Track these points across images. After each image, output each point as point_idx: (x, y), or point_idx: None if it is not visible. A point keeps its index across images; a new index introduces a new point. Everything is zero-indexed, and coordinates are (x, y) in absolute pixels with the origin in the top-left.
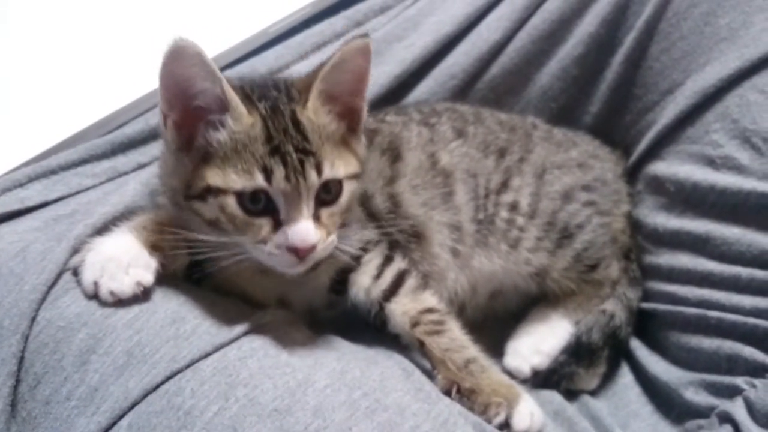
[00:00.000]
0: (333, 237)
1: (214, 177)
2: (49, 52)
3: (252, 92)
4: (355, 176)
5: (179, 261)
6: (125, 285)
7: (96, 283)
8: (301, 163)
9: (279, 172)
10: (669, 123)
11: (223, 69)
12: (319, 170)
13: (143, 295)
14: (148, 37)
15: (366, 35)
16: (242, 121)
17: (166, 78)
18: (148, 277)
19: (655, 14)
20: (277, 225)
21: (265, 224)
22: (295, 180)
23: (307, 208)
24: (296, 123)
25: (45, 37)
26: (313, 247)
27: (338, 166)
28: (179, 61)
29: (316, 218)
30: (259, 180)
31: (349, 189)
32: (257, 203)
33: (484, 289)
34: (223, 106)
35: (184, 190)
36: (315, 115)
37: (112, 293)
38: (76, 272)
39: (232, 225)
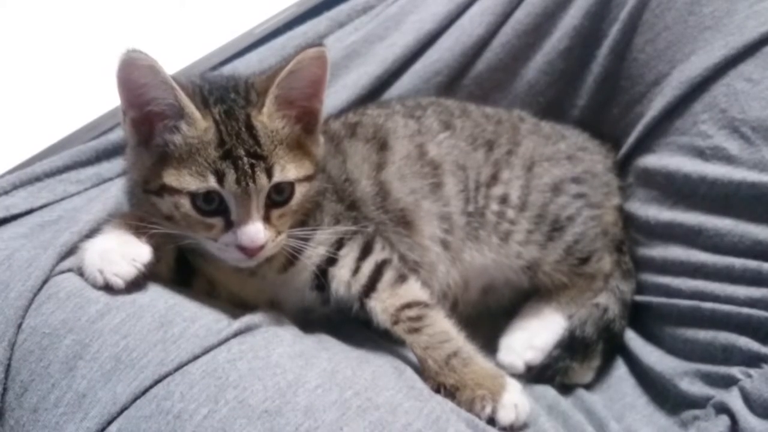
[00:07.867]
0: (283, 236)
1: (169, 177)
2: (33, 60)
3: (210, 95)
4: (307, 178)
5: (167, 254)
6: (124, 266)
7: (101, 272)
8: (252, 167)
9: (230, 176)
10: (657, 115)
11: (209, 70)
12: (269, 174)
13: (146, 270)
14: (133, 41)
15: (321, 44)
16: (196, 125)
17: (121, 85)
18: (143, 254)
19: (638, 5)
20: (228, 225)
21: (217, 223)
22: (245, 184)
23: (256, 210)
24: (250, 127)
25: (28, 44)
26: (261, 247)
27: (289, 169)
28: (131, 72)
29: (267, 219)
30: (212, 182)
31: (300, 191)
32: (210, 204)
33: (476, 283)
34: (178, 112)
35: (143, 184)
36: (269, 119)
37: (116, 275)
38: (81, 272)
39: (185, 222)
